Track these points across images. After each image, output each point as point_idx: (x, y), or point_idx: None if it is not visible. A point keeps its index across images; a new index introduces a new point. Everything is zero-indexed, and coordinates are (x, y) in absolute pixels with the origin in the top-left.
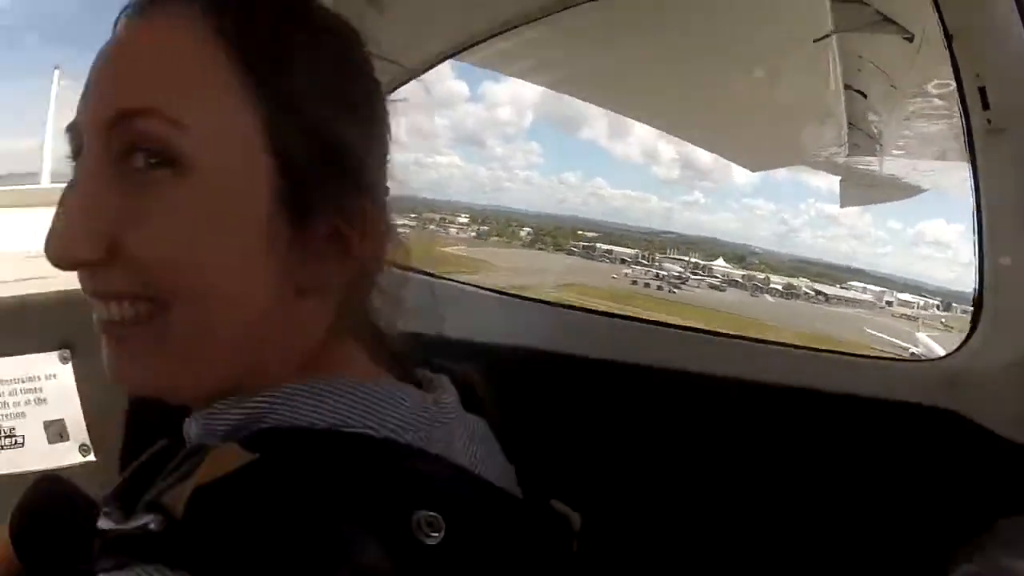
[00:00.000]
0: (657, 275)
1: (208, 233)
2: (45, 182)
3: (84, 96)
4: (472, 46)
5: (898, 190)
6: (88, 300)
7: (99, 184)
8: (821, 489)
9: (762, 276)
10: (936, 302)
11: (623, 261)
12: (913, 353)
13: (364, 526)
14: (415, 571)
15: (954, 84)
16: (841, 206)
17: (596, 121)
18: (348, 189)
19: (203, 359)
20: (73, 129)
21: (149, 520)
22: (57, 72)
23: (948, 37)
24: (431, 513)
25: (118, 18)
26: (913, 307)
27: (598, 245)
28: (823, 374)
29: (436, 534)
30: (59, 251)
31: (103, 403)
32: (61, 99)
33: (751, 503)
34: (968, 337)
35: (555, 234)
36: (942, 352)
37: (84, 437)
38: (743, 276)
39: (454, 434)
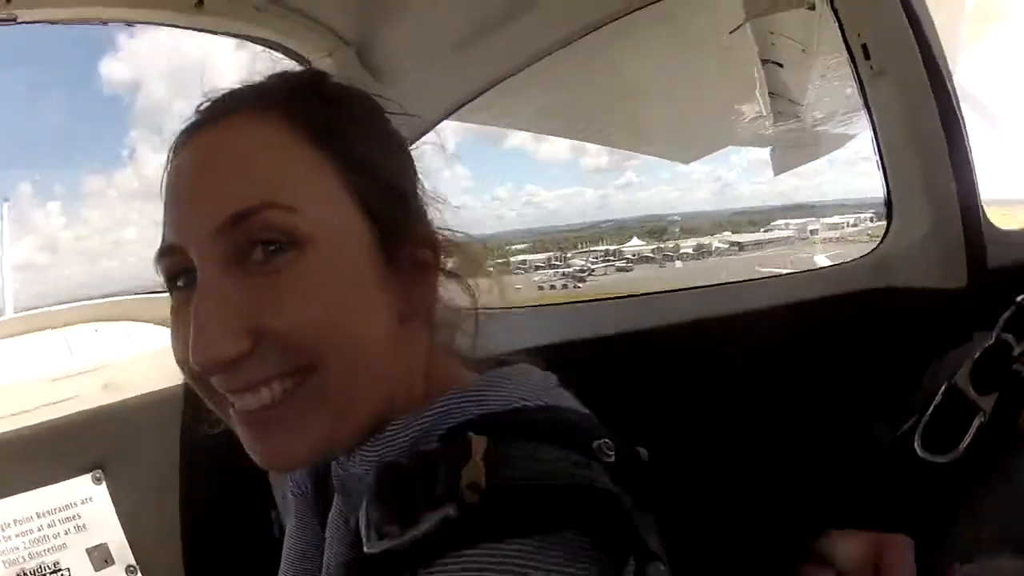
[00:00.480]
0: (563, 274)
1: (335, 292)
2: (9, 313)
3: (176, 216)
4: (460, 107)
5: (828, 143)
6: (234, 397)
7: (227, 285)
8: (811, 382)
9: (672, 244)
10: (870, 215)
11: (537, 268)
12: None
13: (580, 455)
14: (605, 482)
15: None
16: (775, 174)
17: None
18: (413, 221)
19: (355, 404)
20: (169, 253)
21: (446, 510)
22: (6, 205)
23: (833, 9)
24: (604, 439)
25: (180, 137)
26: (842, 228)
27: (511, 259)
28: (792, 290)
29: (611, 453)
30: (209, 356)
31: (142, 519)
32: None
33: (762, 416)
34: (887, 232)
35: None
36: None
37: (129, 557)
38: (653, 250)
39: (564, 394)
